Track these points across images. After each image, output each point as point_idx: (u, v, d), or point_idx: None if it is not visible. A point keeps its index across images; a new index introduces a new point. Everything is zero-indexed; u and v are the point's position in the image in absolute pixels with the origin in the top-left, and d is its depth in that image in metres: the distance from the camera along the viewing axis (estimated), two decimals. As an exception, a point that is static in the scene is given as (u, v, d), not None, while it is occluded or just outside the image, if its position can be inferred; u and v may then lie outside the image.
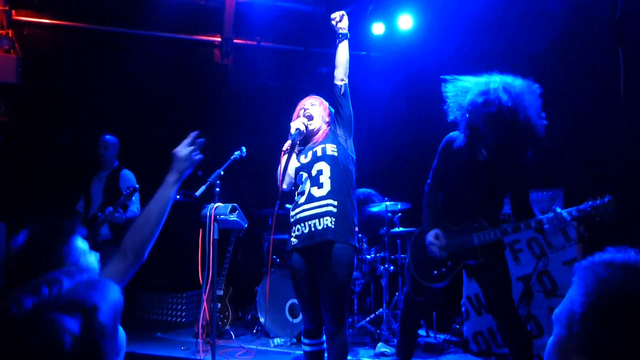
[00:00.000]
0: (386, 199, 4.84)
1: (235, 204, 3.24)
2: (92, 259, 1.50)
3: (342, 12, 3.03)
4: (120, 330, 0.91)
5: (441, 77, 3.00)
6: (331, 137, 2.98)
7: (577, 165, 4.49)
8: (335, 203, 2.80)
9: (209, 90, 6.31)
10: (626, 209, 4.15)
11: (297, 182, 2.97)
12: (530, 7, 4.86)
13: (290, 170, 2.99)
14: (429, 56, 5.77)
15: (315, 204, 2.81)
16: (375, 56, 6.47)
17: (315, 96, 3.21)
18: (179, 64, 6.23)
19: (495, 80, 2.75)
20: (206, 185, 3.16)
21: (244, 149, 3.37)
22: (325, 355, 2.88)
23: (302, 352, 2.96)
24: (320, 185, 2.84)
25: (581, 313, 0.74)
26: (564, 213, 2.69)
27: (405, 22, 5.82)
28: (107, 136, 4.82)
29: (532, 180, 2.91)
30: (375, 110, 6.16)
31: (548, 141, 4.73)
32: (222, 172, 3.26)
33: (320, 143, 2.96)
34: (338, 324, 2.73)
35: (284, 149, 3.01)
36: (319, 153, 2.91)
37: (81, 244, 1.48)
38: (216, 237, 3.14)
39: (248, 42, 6.40)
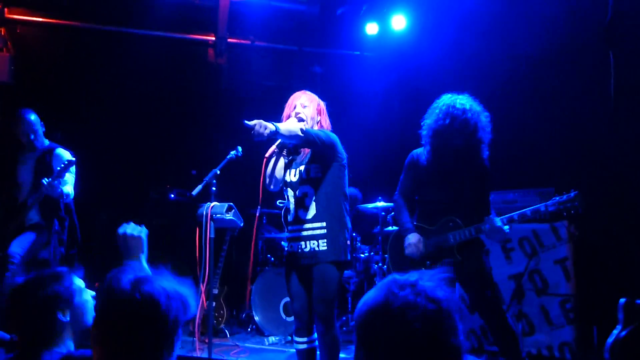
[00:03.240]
0: (379, 198, 4.88)
1: (231, 203, 3.26)
2: (87, 297, 1.67)
3: (255, 122, 2.79)
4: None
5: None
6: (315, 156, 2.92)
7: (568, 165, 4.54)
8: (323, 224, 2.85)
9: (203, 90, 6.30)
10: (614, 207, 4.21)
11: (283, 193, 3.01)
12: (522, 8, 4.90)
13: (278, 172, 2.98)
14: (423, 56, 5.81)
15: (301, 225, 2.89)
16: (369, 56, 6.50)
17: (307, 94, 3.09)
18: (172, 63, 6.22)
19: (455, 100, 3.08)
20: (202, 184, 3.18)
21: (239, 148, 3.39)
22: (318, 353, 2.94)
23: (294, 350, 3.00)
24: (306, 208, 2.87)
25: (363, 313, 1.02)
26: (497, 222, 2.92)
27: (399, 22, 5.86)
28: (30, 113, 4.28)
29: (488, 183, 3.14)
30: (369, 110, 6.20)
31: (539, 141, 4.80)
32: (218, 172, 3.27)
33: (306, 161, 2.93)
34: (328, 325, 2.82)
35: (267, 155, 2.92)
36: (305, 175, 2.91)
37: (77, 281, 1.67)
38: (212, 236, 3.16)
39: (242, 41, 6.40)
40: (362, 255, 4.89)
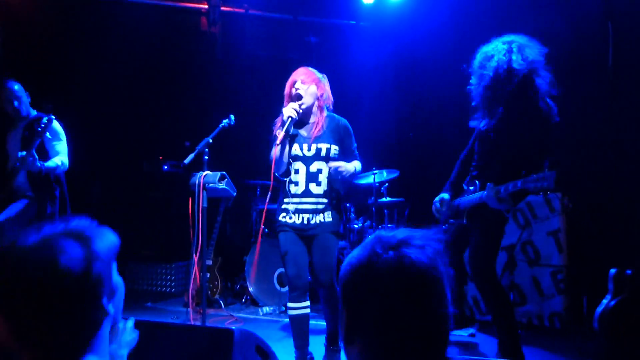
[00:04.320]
0: (374, 168, 4.86)
1: (224, 172, 3.23)
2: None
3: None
4: (116, 274, 1.04)
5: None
6: (335, 136, 3.07)
7: (562, 139, 4.52)
8: (329, 200, 3.05)
9: (196, 59, 6.20)
10: (607, 180, 4.22)
11: (289, 169, 3.05)
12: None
13: (286, 156, 3.03)
14: (420, 26, 5.72)
15: (311, 199, 3.03)
16: (365, 26, 6.40)
17: (307, 70, 3.12)
18: (165, 32, 6.09)
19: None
20: (194, 153, 3.15)
21: (232, 117, 3.34)
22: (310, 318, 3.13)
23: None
24: (318, 184, 3.02)
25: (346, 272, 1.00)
26: (492, 191, 2.77)
27: (396, -9, 5.74)
28: (15, 84, 4.21)
29: (531, 141, 2.86)
30: (364, 80, 6.12)
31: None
32: (210, 140, 3.24)
33: (326, 141, 3.03)
34: (331, 290, 3.05)
35: (278, 142, 2.93)
36: (323, 152, 3.02)
37: None
38: (205, 205, 3.14)
39: (236, 9, 6.27)
40: (355, 226, 4.91)
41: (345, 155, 3.11)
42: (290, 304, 3.05)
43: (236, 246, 5.65)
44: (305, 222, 3.01)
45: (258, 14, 6.33)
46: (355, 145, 3.20)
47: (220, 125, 3.32)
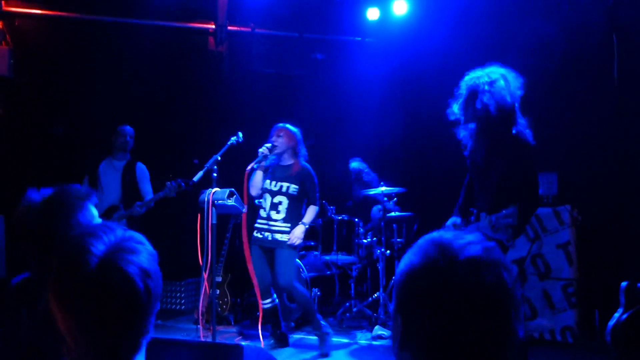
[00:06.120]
0: (382, 183, 4.87)
1: (233, 189, 3.26)
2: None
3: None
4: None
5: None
6: (297, 179, 4.03)
7: (571, 151, 4.52)
8: (287, 225, 4.00)
9: (204, 78, 6.28)
10: (617, 192, 4.20)
11: (262, 196, 4.10)
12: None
13: (258, 182, 4.03)
14: (425, 41, 5.76)
15: (271, 223, 4.04)
16: (370, 42, 6.46)
17: (282, 128, 4.07)
18: (173, 52, 6.19)
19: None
20: (203, 170, 3.19)
21: (240, 134, 3.39)
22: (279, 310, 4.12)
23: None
24: (278, 212, 4.04)
25: (400, 278, 0.93)
26: (484, 221, 2.79)
27: (400, 7, 5.81)
28: (128, 127, 4.90)
29: (518, 164, 2.88)
30: (370, 96, 6.16)
31: (543, 126, 4.78)
32: (219, 158, 3.28)
33: (289, 180, 4.02)
34: (290, 291, 4.00)
35: (248, 169, 3.85)
36: (284, 189, 4.02)
37: (94, 210, 1.64)
38: (214, 222, 3.17)
39: (242, 29, 6.36)
40: (364, 241, 4.90)
41: (306, 196, 4.06)
42: (262, 300, 3.99)
43: (245, 262, 5.65)
44: (269, 238, 4.01)
45: (264, 33, 6.41)
46: (317, 190, 4.09)
47: (229, 143, 3.37)
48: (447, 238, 0.90)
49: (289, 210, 4.01)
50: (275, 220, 4.01)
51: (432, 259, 0.87)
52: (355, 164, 5.48)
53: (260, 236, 4.04)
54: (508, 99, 2.86)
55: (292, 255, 4.00)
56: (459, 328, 0.84)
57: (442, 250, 0.88)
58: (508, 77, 2.93)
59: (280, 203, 4.02)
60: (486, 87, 2.86)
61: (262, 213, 4.09)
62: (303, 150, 4.15)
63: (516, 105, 2.92)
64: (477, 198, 3.02)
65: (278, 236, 3.99)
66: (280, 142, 4.04)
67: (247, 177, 3.81)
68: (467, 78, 2.97)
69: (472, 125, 2.96)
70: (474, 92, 2.88)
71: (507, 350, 0.86)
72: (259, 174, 4.01)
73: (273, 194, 4.03)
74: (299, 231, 3.96)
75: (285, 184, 4.02)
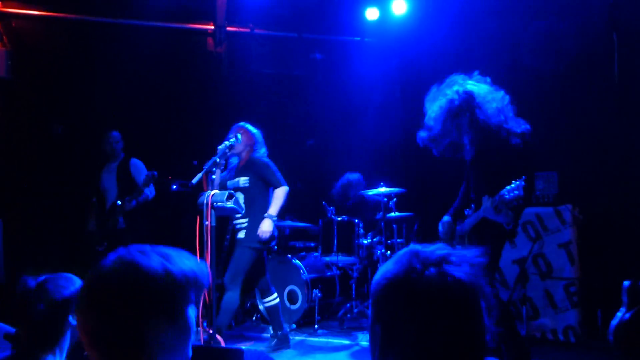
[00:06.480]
0: (382, 184, 4.85)
1: (232, 191, 3.24)
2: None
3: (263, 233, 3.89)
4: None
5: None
6: (245, 170, 3.99)
7: (572, 150, 4.50)
8: (245, 220, 3.94)
9: (203, 79, 6.26)
10: (618, 191, 4.18)
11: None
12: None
13: (216, 179, 3.78)
14: (424, 41, 5.75)
15: (235, 222, 4.03)
16: (369, 42, 6.44)
17: (241, 127, 4.02)
18: (171, 53, 6.17)
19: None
20: (202, 172, 3.17)
21: (239, 135, 3.37)
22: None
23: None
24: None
25: (380, 287, 0.96)
26: (487, 202, 2.87)
27: (400, 6, 5.79)
28: (115, 132, 5.07)
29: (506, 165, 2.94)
30: (370, 96, 6.15)
31: (543, 126, 4.77)
32: (217, 160, 3.26)
33: (238, 174, 4.01)
34: (229, 288, 3.93)
35: (206, 167, 3.62)
36: (236, 184, 3.98)
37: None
38: (213, 224, 3.15)
39: (241, 29, 6.34)
40: (364, 242, 4.88)
41: (263, 182, 3.98)
42: (263, 299, 4.15)
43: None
44: (236, 237, 4.03)
45: (263, 33, 6.40)
46: (276, 171, 3.99)
47: (228, 144, 3.34)
48: (424, 251, 0.95)
49: (245, 204, 3.92)
50: (237, 218, 4.00)
51: (405, 270, 0.93)
52: (354, 175, 5.50)
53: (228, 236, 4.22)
54: (494, 104, 2.99)
55: (244, 254, 3.94)
56: (432, 337, 0.89)
57: (416, 262, 0.93)
58: (481, 89, 3.06)
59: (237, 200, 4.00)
60: (473, 103, 2.99)
61: None
62: (262, 150, 4.10)
63: (504, 105, 3.02)
64: (475, 192, 3.08)
65: (239, 234, 4.00)
66: (241, 139, 4.02)
67: (205, 177, 3.66)
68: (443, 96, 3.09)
69: (464, 139, 3.06)
70: (459, 107, 3.00)
71: (482, 349, 0.92)
72: (218, 172, 3.90)
73: (230, 189, 3.98)
74: (265, 225, 3.85)
75: (236, 179, 4.01)
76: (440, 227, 3.29)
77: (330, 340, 4.36)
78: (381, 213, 4.86)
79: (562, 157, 4.47)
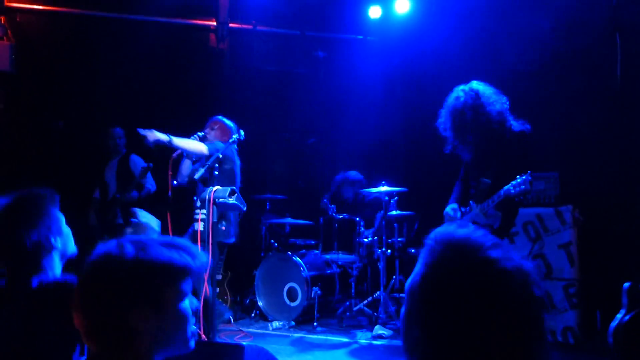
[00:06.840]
0: (383, 182, 4.85)
1: (234, 187, 3.25)
2: (67, 230, 1.69)
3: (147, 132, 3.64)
4: None
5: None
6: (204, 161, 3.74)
7: (572, 151, 4.50)
8: (203, 212, 3.59)
9: (205, 75, 6.26)
10: (618, 192, 4.18)
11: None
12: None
13: (185, 170, 3.91)
14: (426, 40, 5.74)
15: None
16: (372, 40, 6.44)
17: (217, 120, 4.07)
18: (174, 48, 6.17)
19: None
20: (205, 168, 3.17)
21: (242, 132, 3.37)
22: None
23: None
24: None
25: (417, 286, 0.83)
26: (476, 209, 3.08)
27: (402, 5, 5.79)
28: (118, 128, 5.23)
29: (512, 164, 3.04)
30: (372, 94, 6.15)
31: (544, 126, 4.77)
32: (220, 156, 3.26)
33: (205, 164, 3.74)
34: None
35: (175, 156, 3.68)
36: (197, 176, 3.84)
37: (59, 214, 1.68)
38: (215, 220, 3.15)
39: (244, 26, 6.34)
40: (365, 240, 4.88)
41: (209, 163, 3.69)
42: None
43: (246, 260, 5.63)
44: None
45: (266, 30, 6.39)
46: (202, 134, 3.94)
47: (230, 141, 3.34)
48: (461, 236, 0.83)
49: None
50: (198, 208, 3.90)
51: (450, 261, 0.81)
52: (355, 174, 5.51)
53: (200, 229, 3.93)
54: (497, 106, 3.11)
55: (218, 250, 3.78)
56: (489, 334, 0.77)
57: (461, 251, 0.81)
58: (486, 90, 3.19)
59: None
60: (478, 102, 3.11)
61: (198, 202, 3.86)
62: (234, 146, 4.01)
63: (505, 107, 3.14)
64: (473, 189, 3.18)
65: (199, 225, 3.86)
66: (213, 134, 4.03)
67: (171, 164, 3.65)
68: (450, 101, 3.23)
69: (468, 137, 3.16)
70: (463, 109, 3.12)
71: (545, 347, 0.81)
72: (187, 162, 3.95)
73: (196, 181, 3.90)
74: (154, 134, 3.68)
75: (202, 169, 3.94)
76: (450, 214, 3.34)
77: (329, 337, 4.37)
78: (382, 211, 4.87)
79: (564, 158, 4.47)
